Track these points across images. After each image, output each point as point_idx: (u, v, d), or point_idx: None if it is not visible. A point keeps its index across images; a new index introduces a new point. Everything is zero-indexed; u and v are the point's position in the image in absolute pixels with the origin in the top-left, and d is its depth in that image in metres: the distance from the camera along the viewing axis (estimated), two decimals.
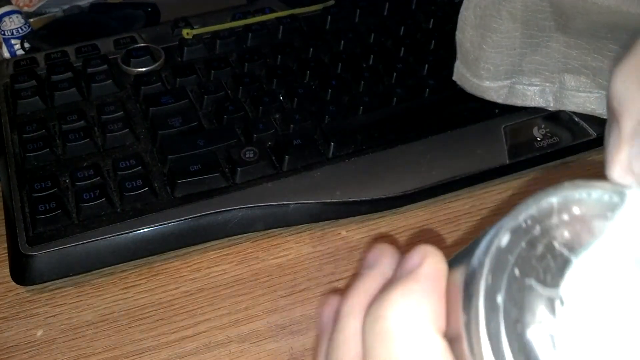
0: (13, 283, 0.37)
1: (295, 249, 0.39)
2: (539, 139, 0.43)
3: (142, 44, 0.50)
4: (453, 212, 0.41)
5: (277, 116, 0.44)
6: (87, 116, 0.43)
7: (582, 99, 0.42)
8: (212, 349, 0.34)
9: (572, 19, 0.40)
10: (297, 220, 0.39)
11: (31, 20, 0.57)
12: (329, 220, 0.40)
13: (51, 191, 0.38)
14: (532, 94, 0.43)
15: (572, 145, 0.43)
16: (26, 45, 0.54)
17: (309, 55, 0.49)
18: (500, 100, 0.43)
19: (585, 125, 0.43)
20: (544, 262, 0.16)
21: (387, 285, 0.20)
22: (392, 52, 0.49)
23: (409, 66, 0.47)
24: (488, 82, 0.43)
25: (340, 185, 0.39)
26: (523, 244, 0.16)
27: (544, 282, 0.16)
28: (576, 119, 0.43)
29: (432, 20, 0.52)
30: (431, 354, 0.18)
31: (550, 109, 0.43)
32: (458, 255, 0.20)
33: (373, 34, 0.51)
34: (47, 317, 0.36)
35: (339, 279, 0.37)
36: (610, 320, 0.14)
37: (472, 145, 0.42)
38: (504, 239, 0.16)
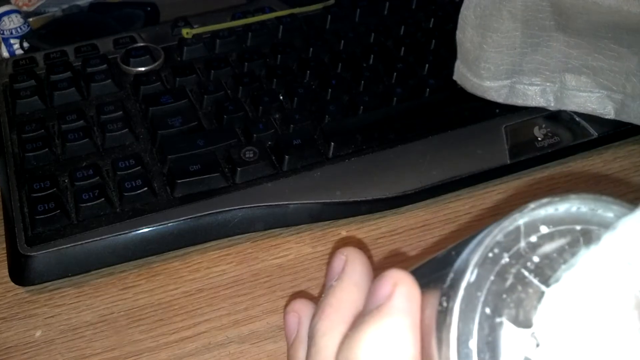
0: (12, 283, 0.36)
1: (295, 249, 0.39)
2: (539, 138, 0.42)
3: (141, 44, 0.50)
4: (453, 212, 0.41)
5: (277, 116, 0.43)
6: (86, 116, 0.43)
7: (582, 99, 0.42)
8: (212, 350, 0.34)
9: (573, 19, 0.40)
10: (297, 220, 0.39)
11: (30, 19, 0.57)
12: (329, 220, 0.40)
13: (50, 191, 0.38)
14: (533, 93, 0.43)
15: (572, 145, 0.43)
16: (25, 44, 0.54)
17: (309, 55, 0.49)
18: (500, 100, 0.43)
19: (586, 124, 0.43)
20: (515, 295, 0.15)
21: (359, 321, 0.19)
22: (392, 51, 0.49)
23: (409, 66, 0.47)
24: (488, 82, 0.42)
25: (340, 185, 0.39)
26: (492, 277, 0.15)
27: (516, 320, 0.15)
28: (577, 119, 0.43)
29: (432, 19, 0.52)
30: None
31: (550, 109, 0.43)
32: (430, 269, 0.19)
33: (373, 34, 0.51)
34: (46, 318, 0.36)
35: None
36: (586, 356, 0.13)
37: (472, 145, 0.42)
38: (473, 276, 0.15)
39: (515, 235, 0.16)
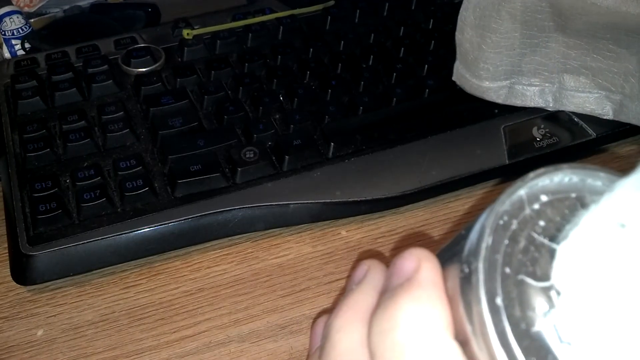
0: (14, 283, 0.37)
1: (295, 249, 0.39)
2: (538, 139, 0.43)
3: (142, 45, 0.50)
4: (453, 212, 0.41)
5: (277, 116, 0.44)
6: (87, 116, 0.44)
7: (581, 99, 0.42)
8: (213, 349, 0.34)
9: (572, 20, 0.40)
10: (297, 220, 0.40)
11: (32, 20, 0.57)
12: (329, 220, 0.40)
13: (52, 191, 0.38)
14: (532, 94, 0.43)
15: (571, 146, 0.43)
16: (27, 45, 0.54)
17: (309, 56, 0.49)
18: (499, 101, 0.43)
19: (584, 125, 0.43)
20: (530, 255, 0.16)
21: (388, 294, 0.19)
22: (392, 52, 0.49)
23: (409, 66, 0.47)
24: (487, 83, 0.43)
25: (340, 185, 0.39)
26: (506, 241, 0.17)
27: (535, 276, 0.16)
28: (575, 119, 0.43)
29: (431, 20, 0.52)
30: None
31: (549, 109, 0.43)
32: (445, 251, 0.20)
33: (373, 35, 0.51)
34: (47, 317, 0.36)
35: (339, 279, 0.37)
36: (607, 298, 0.14)
37: (471, 145, 0.42)
38: (489, 239, 0.16)
39: (520, 204, 0.17)
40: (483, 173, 0.41)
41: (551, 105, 0.43)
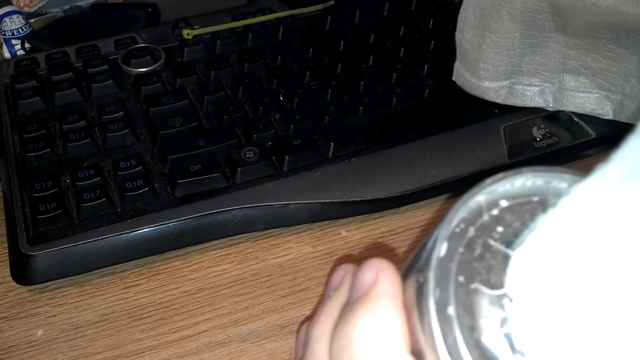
0: (14, 283, 0.37)
1: (295, 249, 0.39)
2: (538, 139, 0.43)
3: (142, 45, 0.50)
4: None
5: (277, 116, 0.44)
6: (87, 116, 0.44)
7: (581, 99, 0.42)
8: (212, 349, 0.34)
9: (571, 20, 0.40)
10: (297, 220, 0.40)
11: (32, 20, 0.57)
12: (329, 220, 0.40)
13: (52, 191, 0.38)
14: (532, 94, 0.43)
15: (571, 146, 0.43)
16: (27, 45, 0.54)
17: (309, 56, 0.49)
18: (499, 101, 0.43)
19: (584, 125, 0.43)
20: (485, 263, 0.16)
21: (347, 309, 0.19)
22: (392, 52, 0.49)
23: (409, 66, 0.47)
24: (487, 83, 0.43)
25: (340, 185, 0.40)
26: (461, 249, 0.16)
27: (488, 284, 0.16)
28: (575, 119, 0.43)
29: (431, 20, 0.52)
30: None
31: (549, 109, 0.43)
32: (409, 261, 0.20)
33: (373, 35, 0.51)
34: (47, 317, 0.36)
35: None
36: (560, 305, 0.14)
37: (472, 145, 0.42)
38: (442, 249, 0.16)
39: (477, 210, 0.17)
40: (483, 173, 0.41)
41: (551, 105, 0.43)
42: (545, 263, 0.14)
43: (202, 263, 0.39)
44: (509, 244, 0.16)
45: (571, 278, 0.14)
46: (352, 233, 0.40)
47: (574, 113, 0.43)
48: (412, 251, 0.20)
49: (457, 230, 0.16)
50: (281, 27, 0.51)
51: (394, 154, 0.41)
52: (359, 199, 0.39)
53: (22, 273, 0.36)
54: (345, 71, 0.47)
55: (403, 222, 0.40)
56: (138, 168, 0.40)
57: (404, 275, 0.19)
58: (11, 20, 0.55)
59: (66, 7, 0.59)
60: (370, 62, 0.48)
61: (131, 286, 0.37)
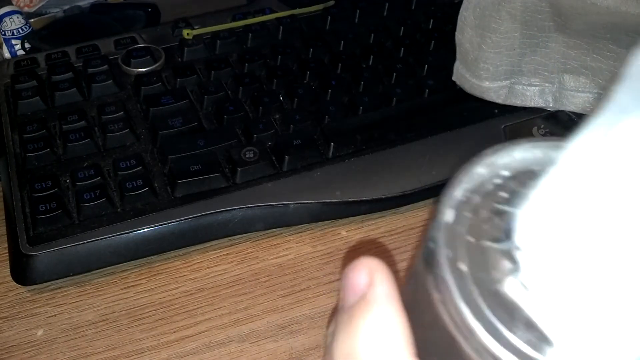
0: (14, 283, 0.37)
1: (295, 249, 0.39)
2: None
3: (142, 45, 0.50)
4: None
5: (277, 116, 0.44)
6: (87, 116, 0.44)
7: (581, 99, 0.42)
8: (212, 349, 0.34)
9: (571, 20, 0.40)
10: (297, 220, 0.40)
11: (32, 20, 0.57)
12: (329, 220, 0.40)
13: (52, 191, 0.38)
14: (532, 94, 0.43)
15: None
16: (27, 45, 0.54)
17: (309, 56, 0.49)
18: (499, 101, 0.43)
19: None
20: (492, 223, 0.17)
21: (346, 315, 0.19)
22: (392, 52, 0.49)
23: (409, 66, 0.47)
24: (487, 83, 0.43)
25: (340, 185, 0.40)
26: (468, 214, 0.17)
27: (498, 240, 0.16)
28: (575, 119, 0.43)
29: (431, 20, 0.52)
30: None
31: (549, 109, 0.43)
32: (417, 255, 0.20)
33: (373, 35, 0.51)
34: (47, 317, 0.36)
35: (339, 279, 0.37)
36: (570, 251, 0.15)
37: (472, 145, 0.42)
38: (450, 215, 0.17)
39: (480, 180, 0.18)
40: None
41: (551, 105, 0.43)
42: (552, 213, 0.15)
43: (202, 263, 0.39)
44: (515, 205, 0.17)
45: (580, 223, 0.14)
46: (352, 233, 0.40)
47: (574, 113, 0.43)
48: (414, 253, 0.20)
49: (463, 199, 0.17)
50: (281, 27, 0.51)
51: (394, 154, 0.41)
52: (359, 199, 0.39)
53: (22, 273, 0.36)
54: (345, 71, 0.47)
55: (403, 222, 0.40)
56: (138, 168, 0.40)
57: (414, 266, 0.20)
58: (11, 20, 0.55)
59: (66, 7, 0.59)
60: (370, 62, 0.48)
61: (131, 286, 0.37)
